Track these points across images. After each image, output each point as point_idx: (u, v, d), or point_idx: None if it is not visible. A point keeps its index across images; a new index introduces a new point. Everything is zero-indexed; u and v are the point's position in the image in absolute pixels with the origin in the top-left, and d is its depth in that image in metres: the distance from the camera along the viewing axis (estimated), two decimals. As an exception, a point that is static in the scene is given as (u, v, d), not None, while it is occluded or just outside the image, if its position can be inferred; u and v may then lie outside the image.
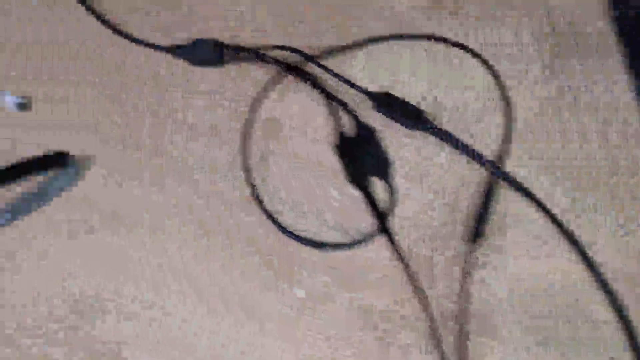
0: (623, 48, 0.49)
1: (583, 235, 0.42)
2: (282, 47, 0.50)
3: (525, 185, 0.44)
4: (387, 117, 0.46)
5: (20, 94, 0.52)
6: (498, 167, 0.44)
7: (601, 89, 0.47)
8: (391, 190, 0.44)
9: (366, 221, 0.44)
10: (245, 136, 0.47)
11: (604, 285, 0.40)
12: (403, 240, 0.43)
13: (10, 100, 0.51)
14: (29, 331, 0.41)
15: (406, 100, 0.46)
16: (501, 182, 0.44)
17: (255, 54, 0.50)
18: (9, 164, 0.47)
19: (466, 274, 0.41)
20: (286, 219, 0.44)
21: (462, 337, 0.39)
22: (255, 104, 0.48)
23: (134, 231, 0.44)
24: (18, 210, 0.44)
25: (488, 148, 0.46)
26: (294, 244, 0.43)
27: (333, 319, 0.40)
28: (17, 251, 0.44)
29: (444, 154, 0.46)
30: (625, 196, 0.44)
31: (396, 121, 0.46)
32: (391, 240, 0.42)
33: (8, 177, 0.46)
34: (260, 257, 0.43)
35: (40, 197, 0.45)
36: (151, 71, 0.51)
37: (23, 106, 0.51)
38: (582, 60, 0.49)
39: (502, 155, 0.45)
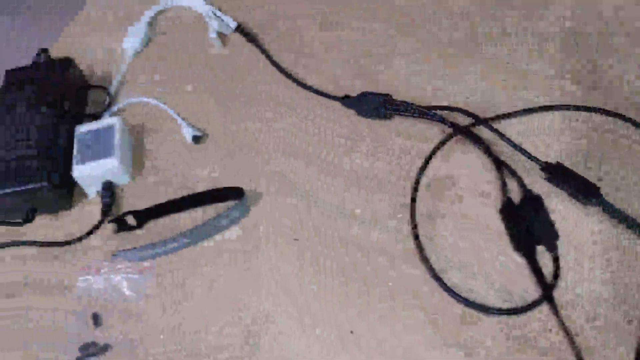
0: None
1: None
2: (451, 108, 0.51)
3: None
4: (557, 187, 0.46)
5: (197, 127, 0.56)
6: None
7: None
8: (557, 261, 0.44)
9: (531, 288, 0.43)
10: (415, 190, 0.48)
11: None
12: (571, 312, 0.42)
13: (187, 132, 0.55)
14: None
15: (579, 174, 0.46)
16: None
17: (425, 112, 0.51)
18: (192, 193, 0.50)
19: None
20: (452, 278, 0.44)
21: None
22: (424, 161, 0.49)
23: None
24: (197, 235, 0.47)
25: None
26: (459, 305, 0.43)
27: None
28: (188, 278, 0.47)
29: (616, 231, 0.45)
30: None
31: (566, 192, 0.46)
32: (555, 310, 0.42)
33: (190, 205, 0.49)
34: (425, 315, 0.43)
35: (215, 226, 0.48)
36: (320, 117, 0.54)
37: (198, 139, 0.55)
38: None
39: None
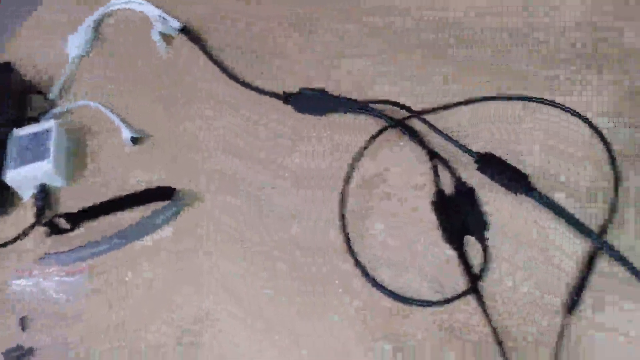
0: None
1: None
2: (387, 102, 0.51)
3: (630, 259, 0.42)
4: (489, 178, 0.46)
5: (137, 129, 0.55)
6: (600, 238, 0.43)
7: None
8: (485, 252, 0.44)
9: (462, 280, 0.43)
10: (345, 187, 0.48)
11: None
12: (495, 304, 0.42)
13: (126, 134, 0.54)
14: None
15: (511, 164, 0.46)
16: (604, 255, 0.42)
17: (360, 107, 0.51)
18: (124, 194, 0.50)
19: (559, 346, 0.39)
20: (382, 274, 0.44)
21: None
22: (357, 156, 0.49)
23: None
24: (129, 236, 0.47)
25: (592, 219, 0.44)
26: (387, 299, 0.43)
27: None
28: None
29: (545, 220, 0.45)
30: None
31: (498, 183, 0.46)
32: (481, 302, 0.41)
33: (122, 206, 0.49)
34: (356, 311, 0.43)
35: (148, 226, 0.48)
36: (262, 115, 0.54)
37: (136, 140, 0.54)
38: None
39: (606, 227, 0.44)
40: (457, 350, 0.41)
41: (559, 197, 0.45)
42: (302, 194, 0.49)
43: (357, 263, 0.44)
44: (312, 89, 0.53)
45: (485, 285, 0.43)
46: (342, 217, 0.46)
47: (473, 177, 0.47)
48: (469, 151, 0.47)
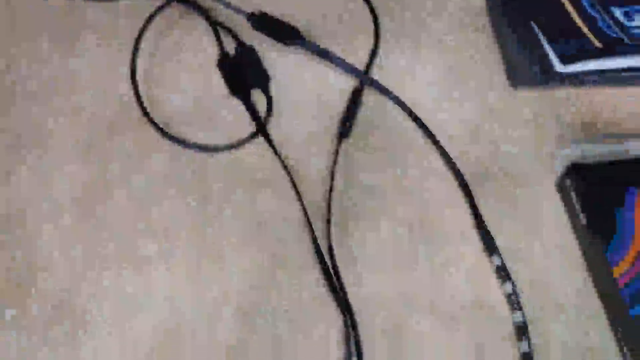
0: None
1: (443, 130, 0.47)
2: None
3: (393, 91, 0.48)
4: (265, 35, 0.50)
5: None
6: (365, 74, 0.48)
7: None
8: (269, 100, 0.48)
9: (250, 127, 0.47)
10: (132, 62, 0.49)
11: (459, 176, 0.45)
12: (282, 142, 0.47)
13: None
14: None
15: (281, 19, 0.50)
16: (369, 89, 0.48)
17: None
18: None
19: (334, 169, 0.45)
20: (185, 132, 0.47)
21: (333, 225, 0.43)
22: (140, 34, 0.50)
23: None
24: None
25: (359, 59, 0.50)
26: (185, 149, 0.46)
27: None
28: None
29: (318, 66, 0.50)
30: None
31: (273, 38, 0.50)
32: (269, 141, 0.46)
33: None
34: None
35: None
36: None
37: None
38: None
39: (370, 64, 0.50)
40: (247, 187, 0.45)
41: (326, 44, 0.50)
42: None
43: (152, 122, 0.47)
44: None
45: (272, 130, 0.47)
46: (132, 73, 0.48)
47: (254, 38, 0.51)
48: (242, 12, 0.50)
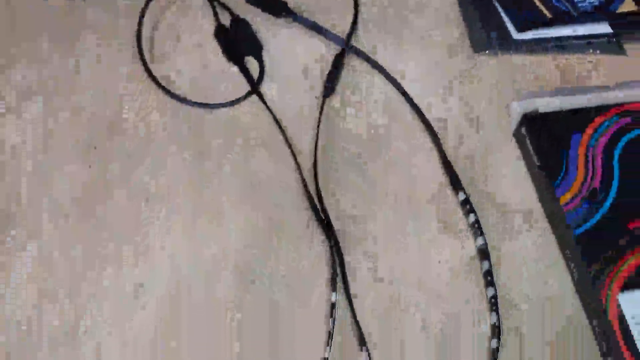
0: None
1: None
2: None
3: (373, 57, 0.55)
4: (257, 8, 0.56)
5: None
6: (347, 42, 0.55)
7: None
8: (262, 66, 0.54)
9: (244, 87, 0.53)
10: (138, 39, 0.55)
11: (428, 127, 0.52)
12: (275, 102, 0.53)
13: None
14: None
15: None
16: (351, 54, 0.55)
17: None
18: None
19: (320, 121, 0.51)
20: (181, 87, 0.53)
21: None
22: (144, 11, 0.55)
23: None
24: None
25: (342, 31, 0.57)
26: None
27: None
28: None
29: (308, 38, 0.56)
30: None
31: (265, 11, 0.56)
32: (263, 100, 0.52)
33: None
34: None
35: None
36: None
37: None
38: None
39: (352, 33, 0.56)
40: (244, 143, 0.51)
41: (311, 16, 0.57)
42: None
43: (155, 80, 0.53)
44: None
45: (264, 92, 0.53)
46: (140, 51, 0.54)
47: (249, 12, 0.57)
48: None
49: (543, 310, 0.44)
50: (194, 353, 0.42)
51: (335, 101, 0.53)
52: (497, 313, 0.43)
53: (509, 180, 0.50)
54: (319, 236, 0.46)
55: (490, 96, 0.54)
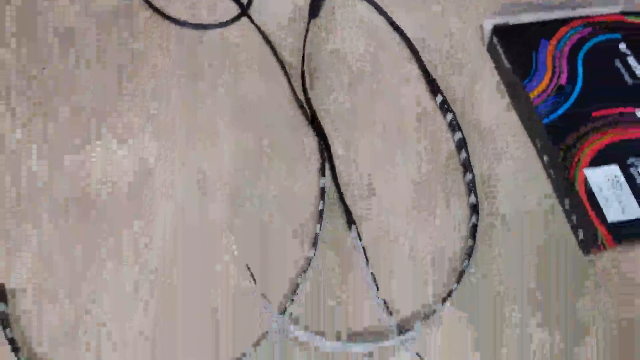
0: None
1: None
2: None
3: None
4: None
5: None
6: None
7: None
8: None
9: (233, 9, 0.57)
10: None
11: (407, 39, 0.55)
12: (267, 25, 0.56)
13: None
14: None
15: None
16: None
17: None
18: None
19: (306, 42, 0.55)
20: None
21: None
22: None
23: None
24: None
25: None
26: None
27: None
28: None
29: None
30: None
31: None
32: (251, 20, 0.55)
33: None
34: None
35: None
36: None
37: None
38: None
39: None
40: (234, 66, 0.54)
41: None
42: None
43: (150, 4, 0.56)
44: None
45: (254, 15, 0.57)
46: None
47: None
48: None
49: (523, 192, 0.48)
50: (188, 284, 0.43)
51: (319, 23, 0.56)
52: (475, 195, 0.47)
53: (484, 86, 0.53)
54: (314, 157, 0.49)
55: (466, 16, 0.58)
